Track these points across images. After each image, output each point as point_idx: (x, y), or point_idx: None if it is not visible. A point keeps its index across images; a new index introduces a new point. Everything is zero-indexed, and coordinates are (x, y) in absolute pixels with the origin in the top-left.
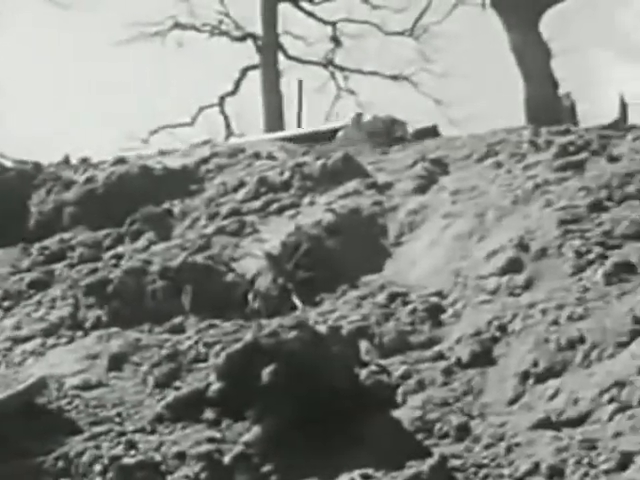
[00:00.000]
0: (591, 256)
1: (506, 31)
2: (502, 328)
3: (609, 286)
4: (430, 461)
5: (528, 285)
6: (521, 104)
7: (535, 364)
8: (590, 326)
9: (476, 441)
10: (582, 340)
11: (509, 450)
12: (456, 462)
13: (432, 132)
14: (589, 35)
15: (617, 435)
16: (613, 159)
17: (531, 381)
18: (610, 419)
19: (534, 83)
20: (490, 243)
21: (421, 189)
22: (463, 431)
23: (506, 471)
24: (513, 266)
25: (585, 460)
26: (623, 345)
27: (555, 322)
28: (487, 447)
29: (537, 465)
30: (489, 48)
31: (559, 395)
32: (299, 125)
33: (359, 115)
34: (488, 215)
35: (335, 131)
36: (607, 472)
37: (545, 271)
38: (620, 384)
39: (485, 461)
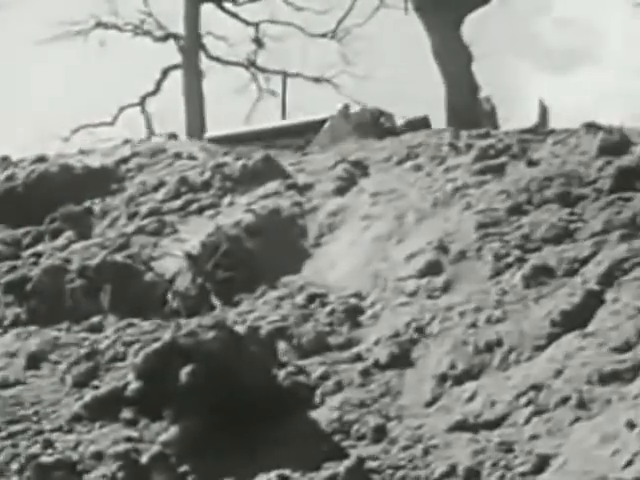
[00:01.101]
0: (510, 259)
1: (428, 34)
2: (420, 330)
3: (527, 289)
4: (347, 462)
5: (447, 288)
6: (442, 107)
7: (453, 366)
8: (508, 329)
9: (393, 443)
10: (500, 343)
11: (426, 452)
12: (373, 464)
13: (423, 123)
14: (507, 42)
15: (533, 438)
16: (532, 163)
17: (449, 383)
18: (527, 422)
19: (455, 86)
20: (409, 245)
21: (341, 191)
22: (380, 433)
23: (422, 473)
24: (432, 268)
25: (501, 462)
26: (540, 348)
27: (473, 325)
28: (404, 449)
29: (454, 467)
30: (411, 51)
31: (476, 398)
32: (283, 118)
33: (346, 106)
34: (407, 217)
35: (321, 122)
36: (523, 474)
37: (464, 274)
38: (537, 387)
39: (402, 463)
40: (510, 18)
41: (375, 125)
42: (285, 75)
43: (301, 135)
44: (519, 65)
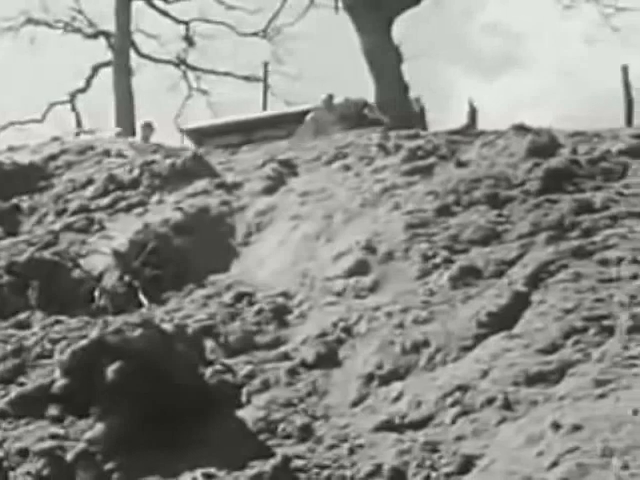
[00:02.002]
0: (437, 260)
1: (358, 34)
2: (347, 330)
3: (454, 290)
4: (273, 461)
5: (374, 288)
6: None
7: (379, 366)
8: (435, 330)
9: (319, 442)
10: (426, 343)
11: (352, 452)
12: (299, 463)
13: (410, 115)
14: (437, 44)
15: (459, 438)
16: (461, 164)
17: (375, 383)
18: (453, 422)
19: (385, 86)
20: (337, 245)
21: (270, 190)
22: (306, 432)
23: (348, 472)
24: (360, 268)
25: (427, 463)
26: (467, 349)
27: (400, 325)
28: (330, 448)
29: (379, 467)
30: (342, 50)
31: (403, 398)
32: (264, 108)
33: (330, 97)
34: (336, 217)
35: (304, 114)
36: (448, 475)
37: (391, 274)
38: (463, 388)
39: (327, 462)
40: (441, 21)
41: (359, 116)
42: (266, 64)
43: (282, 126)
44: (449, 68)
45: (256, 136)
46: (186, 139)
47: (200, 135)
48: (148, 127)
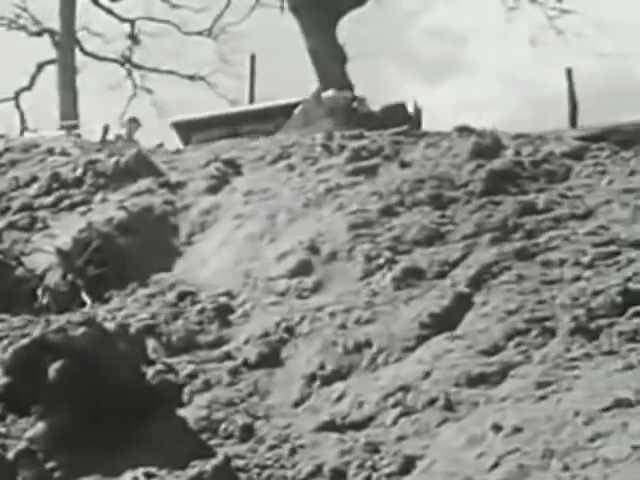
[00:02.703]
0: (381, 261)
1: (303, 34)
2: (290, 330)
3: (397, 291)
4: (214, 461)
5: (317, 288)
6: None
7: (322, 367)
8: (377, 330)
9: (260, 442)
10: (369, 344)
11: (293, 452)
12: (240, 462)
13: (400, 109)
14: (381, 45)
15: (401, 439)
16: (405, 165)
17: (317, 383)
18: (394, 423)
19: (329, 86)
20: (281, 245)
21: (213, 189)
22: (248, 432)
23: (289, 473)
24: (303, 269)
25: (368, 463)
26: (409, 350)
27: (343, 325)
28: (271, 448)
29: (320, 467)
30: (287, 50)
31: (344, 398)
32: (251, 101)
33: (319, 90)
34: (280, 217)
35: (292, 107)
36: (389, 475)
37: (335, 274)
38: (405, 388)
39: (269, 462)
40: (385, 22)
41: (348, 110)
42: (253, 57)
43: (271, 120)
44: (392, 70)
45: (244, 129)
46: (174, 132)
47: (187, 128)
48: (134, 122)
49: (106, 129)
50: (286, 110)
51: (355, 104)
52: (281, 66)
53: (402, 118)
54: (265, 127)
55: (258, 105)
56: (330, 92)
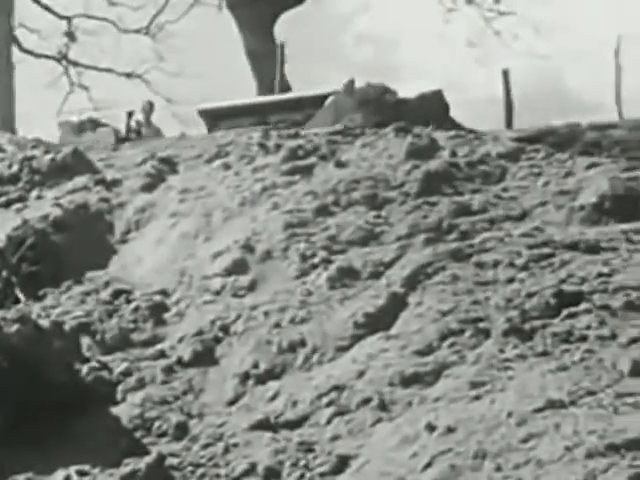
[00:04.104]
0: (316, 260)
1: (241, 33)
2: (224, 329)
3: (332, 290)
4: (147, 459)
5: (252, 287)
6: None
7: (256, 366)
8: (312, 330)
9: (194, 440)
10: (303, 343)
11: (226, 450)
12: (173, 461)
13: (437, 97)
14: (315, 47)
15: (334, 438)
16: (340, 165)
17: (251, 382)
18: (328, 422)
19: (266, 86)
20: (216, 244)
21: (149, 187)
22: (182, 430)
23: (223, 471)
24: (238, 267)
25: (301, 462)
26: (344, 349)
27: (277, 325)
28: (205, 447)
29: (254, 466)
30: (224, 49)
31: (278, 397)
32: (281, 90)
33: (351, 81)
34: (215, 216)
35: (324, 97)
36: (323, 475)
37: (270, 273)
38: (339, 388)
39: (202, 460)
40: (320, 24)
41: (379, 102)
42: (282, 45)
43: (300, 110)
44: (327, 72)
45: (272, 119)
46: (200, 119)
47: (213, 116)
48: (149, 106)
49: (130, 115)
50: (316, 101)
51: (386, 96)
52: (217, 65)
53: (439, 107)
54: (294, 117)
55: (288, 95)
56: (361, 84)
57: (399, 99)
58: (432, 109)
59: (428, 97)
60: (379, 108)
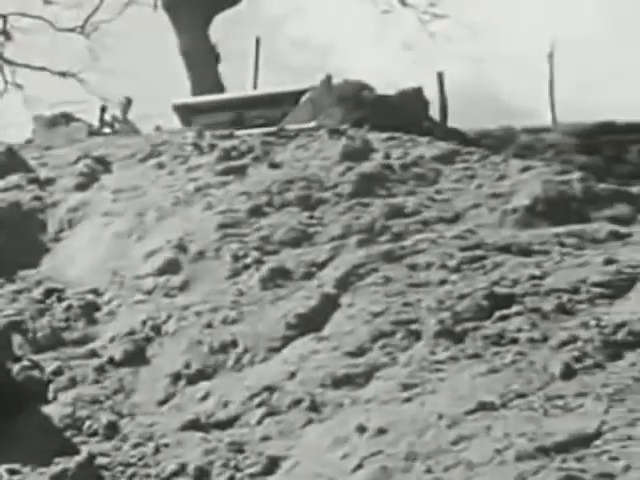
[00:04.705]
0: (248, 260)
1: (176, 33)
2: (156, 328)
3: (264, 291)
4: (77, 458)
5: (184, 287)
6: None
7: (187, 366)
8: (243, 330)
9: (124, 440)
10: (235, 344)
11: (157, 450)
12: (104, 460)
13: (417, 94)
14: (249, 48)
15: (265, 439)
16: (274, 165)
17: (183, 382)
18: (259, 423)
19: (201, 86)
20: (149, 243)
21: (82, 186)
22: (112, 430)
23: (153, 471)
24: (170, 267)
25: (232, 463)
26: (275, 350)
27: (209, 325)
28: (135, 446)
29: (184, 466)
30: (160, 49)
31: (210, 397)
32: (255, 87)
33: (329, 77)
34: (148, 215)
35: (300, 93)
36: (253, 476)
37: (202, 273)
38: (270, 389)
39: (132, 460)
40: (257, 26)
41: (358, 98)
42: (257, 40)
43: (277, 106)
44: (260, 74)
45: (248, 115)
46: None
47: (189, 111)
48: (127, 101)
49: (103, 110)
50: (293, 97)
51: (364, 92)
52: (151, 65)
53: (418, 104)
54: (271, 113)
55: (265, 91)
56: (340, 80)
57: (379, 96)
58: (412, 106)
59: (408, 94)
60: (358, 104)
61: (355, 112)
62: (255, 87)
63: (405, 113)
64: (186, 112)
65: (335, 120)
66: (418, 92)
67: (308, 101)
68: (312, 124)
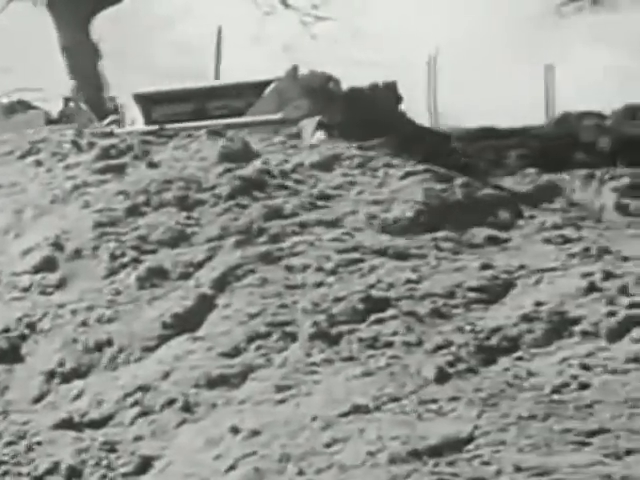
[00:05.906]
0: (125, 259)
1: (57, 29)
2: (31, 326)
3: (141, 290)
4: None
5: (61, 285)
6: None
7: (61, 364)
8: (119, 329)
9: None
10: (110, 343)
11: (29, 449)
12: None
13: (391, 89)
14: (128, 47)
15: (138, 439)
16: (153, 165)
17: (56, 381)
18: (132, 423)
19: (80, 83)
20: (26, 241)
21: None
22: None
23: (25, 469)
24: (47, 265)
25: (104, 462)
26: (150, 350)
27: (84, 323)
28: (8, 444)
29: (57, 465)
30: (39, 45)
31: (83, 396)
32: (217, 77)
33: (295, 68)
34: (26, 212)
35: (265, 84)
36: (125, 475)
37: (79, 272)
38: (144, 388)
39: (5, 458)
40: (136, 25)
41: (324, 90)
42: (219, 30)
43: (241, 97)
44: (136, 73)
45: (211, 106)
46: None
47: (148, 101)
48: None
49: (67, 100)
50: (257, 88)
51: (330, 84)
52: (31, 61)
53: (391, 98)
54: (235, 104)
55: (227, 81)
56: (306, 71)
57: (353, 88)
58: (384, 100)
59: (381, 88)
60: (326, 97)
61: (323, 104)
62: (217, 78)
63: (377, 106)
64: (147, 102)
65: (302, 112)
66: (392, 86)
67: (274, 92)
68: (278, 115)
